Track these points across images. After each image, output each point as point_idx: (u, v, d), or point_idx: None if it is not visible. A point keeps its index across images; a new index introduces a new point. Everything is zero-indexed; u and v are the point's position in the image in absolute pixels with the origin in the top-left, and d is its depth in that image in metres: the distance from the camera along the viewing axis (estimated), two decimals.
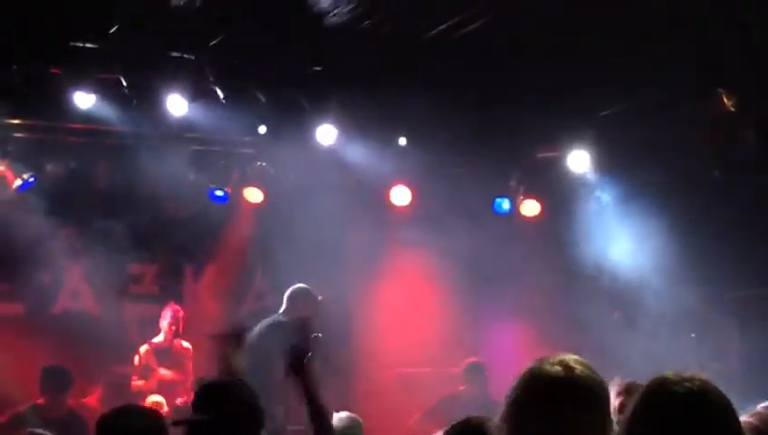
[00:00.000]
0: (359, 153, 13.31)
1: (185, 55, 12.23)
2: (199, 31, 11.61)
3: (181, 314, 12.72)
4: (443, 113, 13.10)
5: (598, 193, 14.34)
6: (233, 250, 13.92)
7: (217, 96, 12.37)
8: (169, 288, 13.85)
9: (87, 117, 12.04)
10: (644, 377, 3.28)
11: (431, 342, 13.30)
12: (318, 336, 5.44)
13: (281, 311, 10.67)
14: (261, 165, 13.47)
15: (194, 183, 13.23)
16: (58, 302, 13.39)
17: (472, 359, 12.28)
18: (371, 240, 13.34)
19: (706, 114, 12.53)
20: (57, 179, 12.67)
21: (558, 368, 3.32)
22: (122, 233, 12.83)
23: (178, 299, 13.34)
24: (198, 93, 12.26)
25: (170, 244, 13.89)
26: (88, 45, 11.80)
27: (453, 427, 4.29)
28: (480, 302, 13.53)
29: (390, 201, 13.98)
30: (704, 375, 3.04)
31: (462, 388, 11.99)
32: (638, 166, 13.60)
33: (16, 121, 12.31)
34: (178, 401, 12.12)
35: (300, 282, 10.74)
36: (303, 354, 5.19)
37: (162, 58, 12.15)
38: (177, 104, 12.12)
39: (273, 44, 11.82)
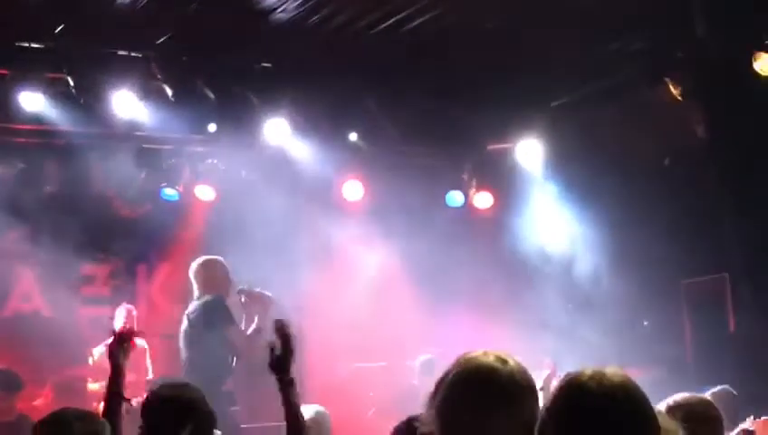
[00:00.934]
0: (310, 149, 13.31)
1: (132, 54, 12.16)
2: (146, 29, 11.54)
3: (135, 313, 12.64)
4: (393, 108, 13.13)
5: (549, 183, 14.41)
6: (185, 249, 13.83)
7: (166, 94, 12.31)
8: (122, 288, 13.75)
9: (35, 117, 11.93)
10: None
11: (385, 336, 13.31)
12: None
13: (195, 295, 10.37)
14: (212, 163, 13.41)
15: (144, 182, 13.15)
16: (9, 304, 13.26)
17: (426, 354, 12.31)
18: (324, 236, 13.33)
19: (654, 102, 12.62)
20: (6, 181, 12.53)
21: (492, 358, 3.36)
22: (73, 234, 12.72)
23: (131, 299, 13.24)
24: (147, 92, 12.20)
25: (122, 244, 13.80)
26: (34, 45, 11.72)
27: (407, 421, 4.30)
28: (434, 295, 13.54)
29: (343, 196, 13.97)
30: (621, 371, 3.02)
31: (416, 382, 12.03)
32: (589, 155, 13.68)
33: None
34: (133, 401, 12.02)
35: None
36: (285, 356, 5.20)
37: (109, 57, 12.08)
38: (125, 103, 12.05)
39: (220, 41, 11.78)
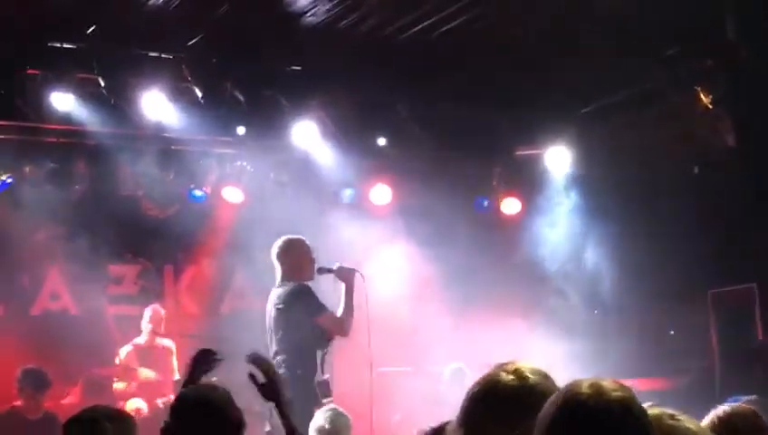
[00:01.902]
0: (338, 152, 13.32)
1: (162, 55, 12.21)
2: (177, 31, 11.59)
3: (162, 314, 12.70)
4: (422, 112, 13.12)
5: (577, 189, 14.37)
6: (212, 250, 13.89)
7: (196, 96, 12.36)
8: (149, 289, 13.80)
9: (65, 118, 11.98)
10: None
11: (411, 341, 13.29)
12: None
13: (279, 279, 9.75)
14: (240, 165, 13.45)
15: (173, 183, 13.19)
16: (37, 303, 13.32)
17: (456, 363, 12.25)
18: (351, 240, 13.32)
19: (684, 110, 12.58)
20: (36, 181, 12.59)
21: (512, 377, 3.39)
22: (102, 234, 12.77)
23: (159, 299, 13.31)
24: (176, 93, 12.25)
25: (150, 244, 13.84)
26: (66, 46, 11.78)
27: (432, 430, 4.30)
28: (461, 300, 13.52)
29: (370, 200, 13.98)
30: (619, 383, 3.00)
31: (443, 388, 12.00)
32: (618, 162, 13.64)
33: None
34: (159, 401, 12.09)
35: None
36: (272, 383, 5.30)
37: (140, 58, 12.12)
38: (155, 104, 12.09)
39: (251, 44, 11.81)
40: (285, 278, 9.55)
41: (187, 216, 13.43)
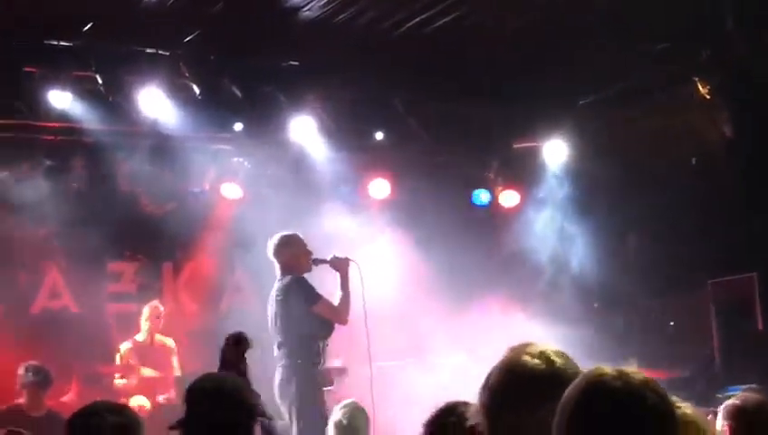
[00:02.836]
0: (336, 147, 13.31)
1: (159, 52, 12.20)
2: (174, 27, 11.58)
3: (161, 310, 12.69)
4: (419, 106, 13.12)
5: (575, 181, 14.37)
6: (211, 247, 13.87)
7: (193, 92, 12.36)
8: (148, 286, 13.79)
9: (63, 115, 11.98)
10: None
11: (410, 334, 13.29)
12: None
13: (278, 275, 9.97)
14: (238, 161, 13.45)
15: (171, 180, 13.18)
16: (37, 301, 13.32)
17: (456, 354, 12.29)
18: (349, 234, 13.31)
19: (682, 101, 12.59)
20: (33, 178, 12.58)
21: (538, 361, 3.34)
22: (100, 231, 12.76)
23: (158, 296, 13.30)
24: (174, 90, 12.24)
25: (148, 241, 13.83)
26: (63, 43, 11.76)
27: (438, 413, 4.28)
28: (460, 293, 13.52)
29: (369, 195, 13.98)
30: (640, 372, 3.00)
31: (446, 380, 11.99)
32: (616, 154, 13.64)
33: None
34: (160, 398, 12.09)
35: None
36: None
37: (137, 55, 12.12)
38: (152, 101, 12.09)
39: (247, 40, 11.80)
40: (284, 273, 9.85)
41: (186, 212, 13.42)
